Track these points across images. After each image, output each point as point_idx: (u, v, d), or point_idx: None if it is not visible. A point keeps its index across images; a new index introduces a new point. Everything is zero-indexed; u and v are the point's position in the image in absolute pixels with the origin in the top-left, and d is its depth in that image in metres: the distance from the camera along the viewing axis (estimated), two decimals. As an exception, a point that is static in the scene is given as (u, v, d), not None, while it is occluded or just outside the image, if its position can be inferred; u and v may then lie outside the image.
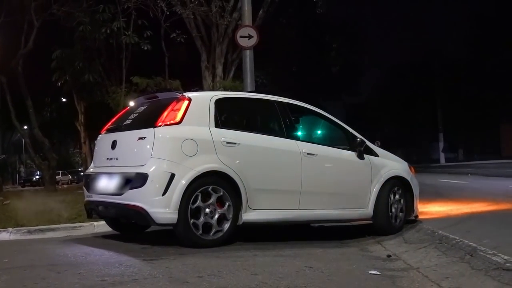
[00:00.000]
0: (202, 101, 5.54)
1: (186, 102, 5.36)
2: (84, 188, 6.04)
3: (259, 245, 5.46)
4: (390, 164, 6.60)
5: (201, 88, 14.46)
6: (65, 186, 35.49)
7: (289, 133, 5.91)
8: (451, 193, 11.38)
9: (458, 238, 4.81)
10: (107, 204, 5.50)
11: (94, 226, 6.75)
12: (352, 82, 35.37)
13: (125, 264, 4.32)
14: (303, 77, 28.76)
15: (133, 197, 5.06)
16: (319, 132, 6.71)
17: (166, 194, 4.97)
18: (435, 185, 14.17)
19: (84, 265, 4.31)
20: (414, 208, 6.74)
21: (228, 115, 5.85)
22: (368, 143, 6.44)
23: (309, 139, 6.39)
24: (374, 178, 6.33)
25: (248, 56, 10.27)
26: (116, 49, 17.19)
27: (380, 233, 6.27)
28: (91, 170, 5.99)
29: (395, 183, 6.51)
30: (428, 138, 48.71)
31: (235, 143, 5.40)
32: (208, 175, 5.17)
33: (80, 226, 6.75)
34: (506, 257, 3.83)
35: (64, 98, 28.04)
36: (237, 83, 13.96)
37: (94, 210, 5.75)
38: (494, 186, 13.49)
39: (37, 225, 6.65)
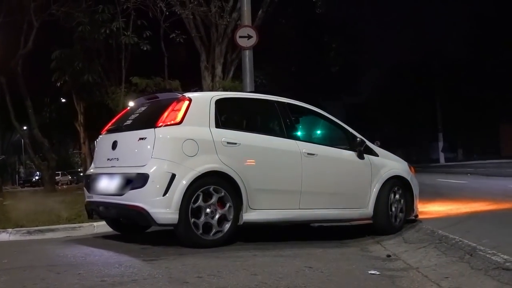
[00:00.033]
0: (203, 101, 5.54)
1: (187, 102, 5.37)
2: (84, 188, 6.04)
3: (259, 245, 5.46)
4: (390, 164, 6.61)
5: (200, 88, 14.46)
6: (64, 186, 35.50)
7: (289, 133, 5.92)
8: (450, 193, 11.39)
9: (457, 238, 4.81)
10: (108, 205, 5.50)
11: (94, 226, 6.75)
12: (351, 82, 35.35)
13: (124, 264, 4.32)
14: (303, 77, 28.76)
15: (134, 198, 5.06)
16: (319, 132, 6.72)
17: (167, 195, 4.97)
18: (434, 185, 14.17)
19: (83, 266, 4.31)
20: (414, 207, 6.75)
21: (228, 115, 5.85)
22: (368, 143, 6.45)
23: (309, 139, 6.40)
24: (374, 178, 6.33)
25: (248, 56, 10.26)
26: (116, 50, 17.20)
27: (380, 233, 6.27)
28: (91, 170, 5.99)
29: (395, 182, 6.51)
30: (427, 138, 48.72)
31: (235, 143, 5.40)
32: (209, 175, 5.17)
33: (79, 227, 6.75)
34: (505, 257, 3.83)
35: (63, 98, 28.04)
36: (237, 83, 13.96)
37: (95, 211, 5.75)
38: (494, 185, 13.50)
39: (36, 226, 6.65)
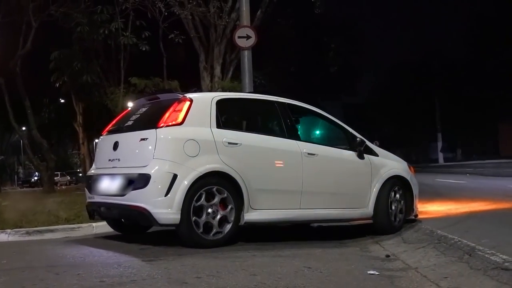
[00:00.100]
0: (204, 102, 5.55)
1: (188, 103, 5.38)
2: (85, 189, 6.04)
3: (258, 245, 5.46)
4: (390, 163, 6.62)
5: (199, 89, 14.46)
6: (63, 187, 35.49)
7: (290, 133, 5.93)
8: (449, 193, 11.40)
9: (456, 237, 4.81)
10: (109, 205, 5.50)
11: (93, 227, 6.75)
12: (351, 82, 35.39)
13: (124, 265, 4.32)
14: (302, 77, 28.79)
15: (136, 198, 5.07)
16: (319, 132, 6.75)
17: (169, 195, 4.98)
18: (433, 185, 14.19)
19: (83, 266, 4.31)
20: (414, 207, 6.76)
21: (229, 116, 5.86)
22: (368, 143, 6.47)
23: (309, 139, 6.43)
24: (374, 178, 6.35)
25: (246, 56, 10.26)
26: (114, 50, 17.20)
27: (380, 233, 6.28)
28: (92, 171, 5.99)
29: (395, 182, 6.53)
30: (427, 138, 48.78)
31: (236, 144, 5.41)
32: (210, 175, 5.18)
33: (78, 227, 6.74)
34: (504, 257, 3.83)
35: (62, 99, 28.05)
36: (236, 84, 13.97)
37: (96, 211, 5.76)
38: (493, 185, 13.52)
39: (35, 227, 6.64)
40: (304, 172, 5.81)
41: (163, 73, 14.77)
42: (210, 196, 5.16)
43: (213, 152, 5.25)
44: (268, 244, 5.62)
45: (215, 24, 14.80)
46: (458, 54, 43.58)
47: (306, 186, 5.80)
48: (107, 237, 6.18)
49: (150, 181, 4.99)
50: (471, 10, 42.54)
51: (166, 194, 4.98)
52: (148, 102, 6.07)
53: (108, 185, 5.52)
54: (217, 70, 15.13)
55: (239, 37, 10.25)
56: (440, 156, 44.80)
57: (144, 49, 15.06)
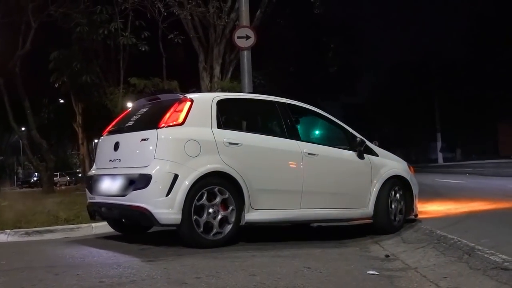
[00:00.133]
0: (204, 102, 5.56)
1: (188, 103, 5.39)
2: (86, 189, 6.04)
3: (258, 245, 5.46)
4: (389, 163, 6.63)
5: (198, 89, 14.46)
6: (63, 187, 35.48)
7: (290, 134, 5.94)
8: (449, 193, 11.41)
9: (456, 237, 4.81)
10: (110, 206, 5.51)
11: (92, 227, 6.75)
12: (350, 83, 35.38)
13: (123, 265, 4.32)
14: (302, 77, 28.78)
15: (137, 198, 5.07)
16: (319, 132, 6.77)
17: (170, 195, 4.98)
18: (433, 185, 14.19)
19: (82, 267, 4.31)
20: (414, 207, 6.78)
21: (230, 116, 5.87)
22: (368, 143, 6.48)
23: (310, 139, 6.45)
24: (374, 178, 6.36)
25: (246, 56, 10.26)
26: (114, 50, 17.20)
27: (380, 232, 6.28)
28: (93, 172, 5.99)
29: (395, 182, 6.54)
30: (426, 138, 48.83)
31: (237, 144, 5.42)
32: (211, 175, 5.19)
33: (78, 228, 6.74)
34: (504, 257, 3.83)
35: (61, 99, 28.04)
36: (235, 84, 13.97)
37: (97, 212, 5.77)
38: (492, 185, 13.52)
39: (35, 227, 6.64)
40: (305, 172, 5.81)
41: (162, 73, 14.76)
42: (211, 196, 5.17)
43: (214, 152, 5.26)
44: (268, 244, 5.62)
45: (215, 24, 14.79)
46: (457, 54, 43.60)
47: (306, 186, 5.80)
48: (106, 237, 6.18)
49: (151, 181, 4.99)
50: (471, 10, 42.56)
51: (167, 194, 4.98)
52: (149, 102, 6.08)
53: (109, 185, 5.52)
54: (217, 70, 15.13)
55: (238, 37, 10.24)
56: (440, 156, 44.84)
57: (143, 49, 15.05)
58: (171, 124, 5.24)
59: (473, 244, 4.38)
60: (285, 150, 5.79)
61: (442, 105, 44.34)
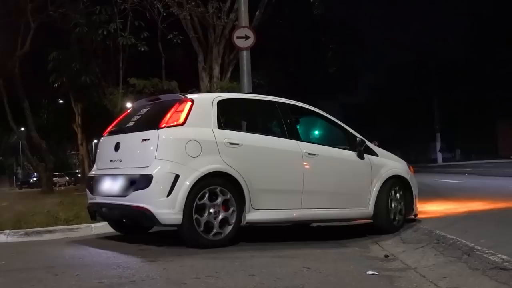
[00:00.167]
0: (205, 102, 5.57)
1: (189, 103, 5.40)
2: (87, 190, 6.05)
3: (257, 245, 5.46)
4: (389, 163, 6.64)
5: (198, 89, 14.45)
6: (62, 188, 35.52)
7: (290, 134, 5.96)
8: (448, 193, 11.40)
9: (455, 237, 4.81)
10: (111, 206, 5.52)
11: (92, 227, 6.75)
12: (349, 83, 35.37)
13: (122, 265, 4.32)
14: (301, 77, 28.77)
15: (138, 199, 5.08)
16: (319, 132, 6.79)
17: (171, 195, 4.99)
18: (432, 185, 14.19)
19: (81, 267, 4.31)
20: (414, 207, 6.79)
21: (230, 116, 5.88)
22: (368, 143, 6.49)
23: (310, 139, 6.48)
24: (374, 178, 6.37)
25: (245, 57, 10.25)
26: (113, 51, 17.15)
27: (380, 232, 6.30)
28: (94, 172, 6.00)
29: (395, 182, 6.55)
30: (425, 138, 48.82)
31: (238, 144, 5.43)
32: (212, 176, 5.20)
33: (77, 228, 6.74)
34: (503, 257, 3.84)
35: (61, 99, 27.98)
36: (234, 84, 13.95)
37: (98, 212, 5.78)
38: (491, 185, 13.52)
39: (34, 227, 6.64)
40: (305, 172, 5.83)
41: (161, 74, 14.75)
42: (213, 196, 5.18)
43: (215, 153, 5.27)
44: (267, 244, 5.62)
45: (214, 24, 14.78)
46: (457, 54, 43.63)
47: (307, 186, 5.82)
48: (106, 237, 6.18)
49: (152, 181, 5.00)
50: (471, 10, 42.59)
51: (168, 195, 4.99)
52: (149, 103, 6.11)
53: (110, 185, 5.53)
54: (216, 71, 15.12)
55: (237, 37, 10.24)
56: (439, 156, 44.84)
57: (142, 49, 15.02)
58: (172, 124, 5.26)
59: (472, 244, 4.38)
60: (286, 150, 5.80)
61: (441, 105, 44.35)
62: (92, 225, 6.71)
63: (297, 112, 6.31)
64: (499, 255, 3.89)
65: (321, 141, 6.47)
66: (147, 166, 5.10)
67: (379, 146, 6.76)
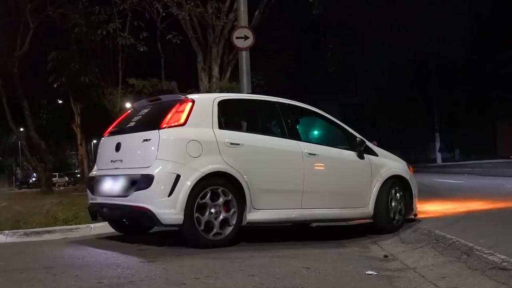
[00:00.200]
0: (206, 102, 5.58)
1: (190, 104, 5.40)
2: (87, 190, 6.04)
3: (256, 246, 5.46)
4: (389, 163, 6.65)
5: (197, 89, 14.45)
6: (61, 188, 35.51)
7: (291, 134, 5.96)
8: (447, 193, 11.41)
9: (454, 237, 4.81)
10: (112, 206, 5.52)
11: (91, 228, 6.74)
12: (349, 83, 35.39)
13: (122, 266, 4.31)
14: (300, 78, 28.78)
15: (139, 199, 5.08)
16: (320, 132, 6.81)
17: (172, 195, 5.00)
18: (431, 185, 14.20)
19: (80, 267, 4.30)
20: (413, 206, 6.80)
21: (231, 116, 5.88)
22: (368, 143, 6.50)
23: (310, 139, 6.49)
24: (374, 178, 6.38)
25: (244, 57, 10.26)
26: (112, 51, 17.16)
27: (380, 232, 6.30)
28: (94, 172, 6.00)
29: (395, 182, 6.56)
30: (425, 138, 48.85)
31: (238, 144, 5.44)
32: (213, 176, 5.20)
33: (76, 228, 6.73)
34: (502, 257, 3.84)
35: (60, 100, 27.99)
36: (234, 84, 13.95)
37: (99, 212, 5.78)
38: (491, 185, 13.52)
39: (33, 228, 6.64)
40: (305, 172, 5.84)
41: (161, 74, 14.76)
42: (215, 196, 5.19)
43: (216, 153, 5.28)
44: (267, 244, 5.62)
45: (213, 24, 14.79)
46: (456, 54, 43.67)
47: (307, 186, 5.82)
48: (105, 238, 6.18)
49: (154, 181, 5.01)
50: (471, 10, 42.61)
51: (170, 195, 4.99)
52: (150, 103, 6.12)
53: (111, 186, 5.53)
54: (215, 71, 15.12)
55: (237, 37, 10.24)
56: (438, 156, 44.87)
57: (142, 49, 15.03)
58: (172, 124, 5.26)
59: (471, 244, 4.39)
60: (286, 150, 5.81)
61: (441, 105, 44.38)
62: (92, 225, 6.71)
63: (297, 112, 6.32)
64: (498, 255, 3.89)
65: (321, 141, 6.48)
66: (148, 166, 5.10)
67: (378, 146, 6.77)
